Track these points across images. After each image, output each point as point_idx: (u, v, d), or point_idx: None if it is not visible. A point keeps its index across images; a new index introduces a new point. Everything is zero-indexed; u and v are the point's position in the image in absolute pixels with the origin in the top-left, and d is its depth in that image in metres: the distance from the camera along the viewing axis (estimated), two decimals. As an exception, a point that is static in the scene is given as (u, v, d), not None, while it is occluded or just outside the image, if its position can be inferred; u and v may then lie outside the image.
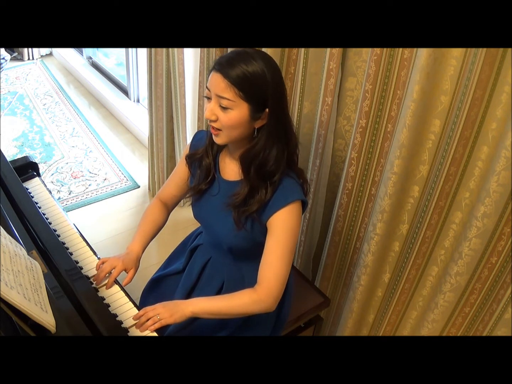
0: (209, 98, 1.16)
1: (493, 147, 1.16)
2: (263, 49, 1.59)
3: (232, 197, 1.24)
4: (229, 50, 1.75)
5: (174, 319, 1.19)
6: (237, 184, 1.26)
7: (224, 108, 1.13)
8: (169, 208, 1.48)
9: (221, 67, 1.12)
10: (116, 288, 1.29)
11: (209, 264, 1.42)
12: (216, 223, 1.31)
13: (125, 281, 1.30)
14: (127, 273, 1.32)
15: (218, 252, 1.38)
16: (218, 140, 1.20)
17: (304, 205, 1.24)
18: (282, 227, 1.21)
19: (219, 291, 1.40)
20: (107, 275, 1.30)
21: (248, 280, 1.36)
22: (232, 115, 1.13)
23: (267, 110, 1.15)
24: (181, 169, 1.41)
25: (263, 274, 1.23)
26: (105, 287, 1.29)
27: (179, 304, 1.23)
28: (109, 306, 1.24)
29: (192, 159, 1.34)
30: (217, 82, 1.12)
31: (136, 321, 1.21)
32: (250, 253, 1.32)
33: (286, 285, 1.45)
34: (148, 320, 1.19)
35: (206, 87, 1.16)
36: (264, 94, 1.13)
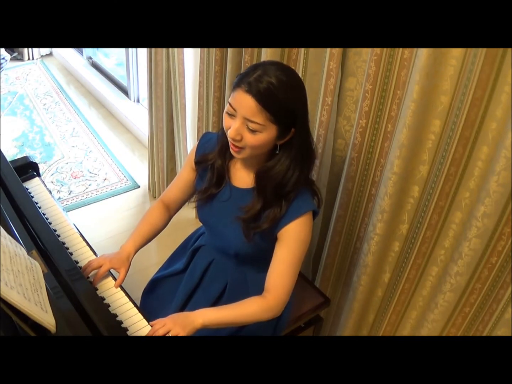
0: (231, 115, 1.12)
1: (493, 147, 1.15)
2: (263, 49, 1.59)
3: (243, 210, 1.22)
4: (229, 50, 1.76)
5: (186, 332, 1.13)
6: (248, 192, 1.24)
7: (252, 131, 1.10)
8: (171, 211, 1.45)
9: (251, 88, 1.06)
10: (116, 288, 1.29)
11: (212, 266, 1.41)
12: (225, 230, 1.29)
13: (116, 282, 1.28)
14: (118, 273, 1.29)
15: (222, 255, 1.37)
16: (239, 156, 1.17)
17: (314, 214, 1.24)
18: (294, 238, 1.20)
19: (221, 293, 1.39)
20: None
21: (251, 283, 1.36)
22: (260, 137, 1.10)
23: (293, 129, 1.14)
24: (185, 173, 1.38)
25: (273, 282, 1.21)
26: (105, 287, 1.28)
27: (189, 316, 1.18)
28: (109, 306, 1.23)
29: (203, 164, 1.31)
30: (248, 105, 1.07)
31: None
32: (256, 258, 1.32)
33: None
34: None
35: (229, 103, 1.11)
36: (294, 116, 1.12)
